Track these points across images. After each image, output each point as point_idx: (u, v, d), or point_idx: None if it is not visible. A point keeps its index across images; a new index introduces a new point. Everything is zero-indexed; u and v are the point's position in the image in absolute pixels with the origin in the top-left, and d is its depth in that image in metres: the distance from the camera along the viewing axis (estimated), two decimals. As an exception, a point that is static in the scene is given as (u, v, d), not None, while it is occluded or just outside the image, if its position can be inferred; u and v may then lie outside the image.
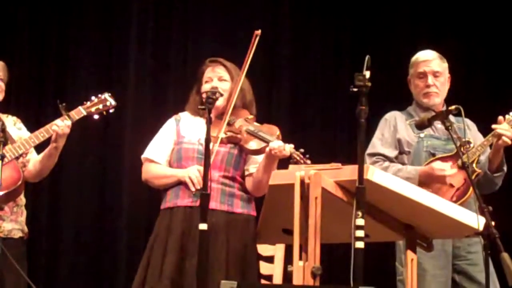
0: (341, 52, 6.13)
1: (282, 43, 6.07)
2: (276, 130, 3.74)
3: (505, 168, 4.21)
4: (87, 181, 5.76)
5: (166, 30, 5.99)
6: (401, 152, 4.20)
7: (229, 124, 3.76)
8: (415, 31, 6.07)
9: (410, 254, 3.40)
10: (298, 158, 3.55)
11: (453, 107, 3.58)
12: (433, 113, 3.84)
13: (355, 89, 3.08)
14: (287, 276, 3.24)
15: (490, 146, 4.15)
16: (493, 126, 4.07)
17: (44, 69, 5.84)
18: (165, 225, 3.71)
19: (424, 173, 4.04)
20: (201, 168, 3.56)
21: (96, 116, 4.17)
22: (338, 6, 6.19)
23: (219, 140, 3.68)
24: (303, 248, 3.16)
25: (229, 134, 3.72)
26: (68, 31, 5.88)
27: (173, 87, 5.88)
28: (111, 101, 4.20)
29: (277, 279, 4.01)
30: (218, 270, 3.56)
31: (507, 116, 4.13)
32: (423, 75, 4.24)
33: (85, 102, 4.15)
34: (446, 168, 4.03)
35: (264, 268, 3.94)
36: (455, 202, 3.87)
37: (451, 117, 3.75)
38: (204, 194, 3.29)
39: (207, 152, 3.36)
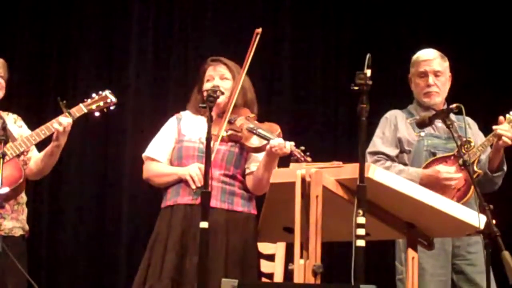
0: (341, 50, 6.14)
1: (283, 42, 6.08)
2: (277, 128, 3.74)
3: (505, 168, 4.21)
4: (87, 179, 5.76)
5: (167, 29, 6.00)
6: (402, 151, 4.20)
7: (230, 122, 3.76)
8: (416, 30, 6.07)
9: (411, 252, 3.41)
10: (298, 155, 3.55)
11: (454, 105, 3.59)
12: (434, 112, 3.84)
13: (356, 88, 3.08)
14: (288, 274, 3.24)
15: (491, 146, 4.16)
16: (494, 127, 4.08)
17: (45, 66, 5.84)
18: (165, 223, 3.71)
19: (427, 176, 4.03)
20: (202, 166, 3.56)
21: (97, 113, 4.17)
22: (339, 5, 6.19)
23: (219, 139, 3.68)
24: (304, 246, 3.16)
25: (230, 132, 3.72)
26: (69, 29, 5.89)
27: (173, 86, 5.88)
28: (112, 98, 4.20)
29: (278, 277, 4.01)
30: (218, 269, 3.55)
31: (507, 116, 4.13)
32: (424, 75, 4.24)
33: (85, 99, 4.15)
34: (451, 172, 4.02)
35: (265, 266, 3.93)
36: (456, 202, 3.88)
37: (452, 116, 3.76)
38: (205, 192, 3.29)
39: (208, 150, 3.36)
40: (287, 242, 3.91)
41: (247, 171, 3.81)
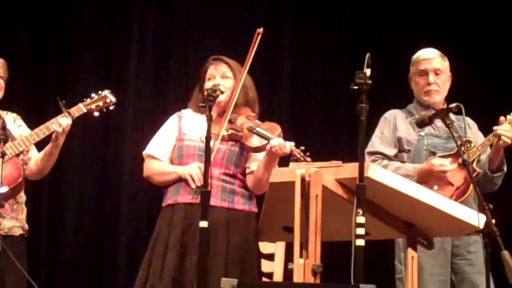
0: (341, 50, 6.14)
1: (283, 42, 6.08)
2: (277, 128, 3.74)
3: (505, 168, 4.21)
4: (87, 179, 5.76)
5: (167, 29, 6.00)
6: (401, 151, 4.20)
7: (230, 121, 3.76)
8: (416, 30, 6.07)
9: (410, 252, 3.40)
10: (298, 155, 3.55)
11: (453, 105, 3.58)
12: (434, 111, 3.84)
13: (356, 87, 3.08)
14: (288, 274, 3.24)
15: (491, 146, 4.16)
16: (495, 127, 4.08)
17: (45, 66, 5.85)
18: (166, 222, 3.71)
19: (423, 171, 4.04)
20: (202, 165, 3.56)
21: (96, 113, 4.17)
22: (339, 5, 6.19)
23: (220, 138, 3.68)
24: (304, 245, 3.15)
25: (230, 131, 3.72)
26: (69, 28, 5.89)
27: (173, 86, 5.88)
28: (111, 98, 4.20)
29: (278, 277, 4.01)
30: (218, 268, 3.55)
31: (508, 117, 4.13)
32: (424, 73, 4.24)
33: (85, 99, 4.16)
34: (446, 164, 4.03)
35: (265, 265, 3.93)
36: (454, 201, 3.87)
37: (452, 116, 3.76)
38: (204, 192, 3.29)
39: (208, 149, 3.36)
40: (286, 241, 3.91)
41: (248, 170, 3.81)
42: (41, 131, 4.01)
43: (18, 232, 4.06)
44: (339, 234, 3.21)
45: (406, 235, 3.44)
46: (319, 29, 6.17)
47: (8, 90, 4.17)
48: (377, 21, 6.14)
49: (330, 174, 3.20)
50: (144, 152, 3.90)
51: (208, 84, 3.83)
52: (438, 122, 4.06)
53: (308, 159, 3.53)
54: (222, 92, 3.65)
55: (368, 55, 3.09)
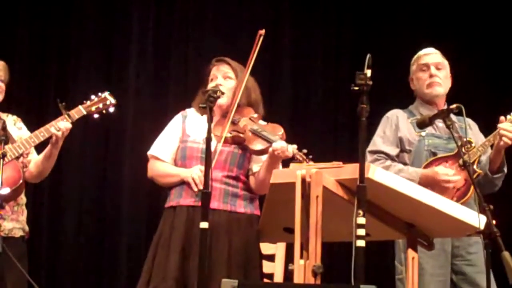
0: (341, 50, 6.14)
1: (283, 42, 6.07)
2: (280, 130, 3.74)
3: (505, 170, 4.20)
4: (87, 180, 5.76)
5: (167, 29, 6.00)
6: (402, 151, 4.20)
7: (233, 123, 3.76)
8: (416, 30, 6.07)
9: (411, 253, 3.40)
10: (301, 158, 3.55)
11: (454, 105, 3.58)
12: (434, 112, 3.84)
13: (356, 88, 3.08)
14: (288, 274, 3.24)
15: (491, 146, 4.15)
16: (499, 125, 4.07)
17: (44, 66, 5.85)
18: (168, 224, 3.72)
19: (426, 177, 4.03)
20: (204, 168, 3.56)
21: (96, 115, 4.17)
22: (339, 5, 6.19)
23: (222, 139, 3.68)
24: (304, 246, 3.15)
25: (233, 133, 3.72)
26: (69, 28, 5.89)
27: (173, 86, 5.88)
28: (111, 100, 4.20)
29: (278, 278, 4.01)
30: (220, 270, 3.56)
31: (508, 117, 4.13)
32: (426, 67, 4.25)
33: (85, 101, 4.16)
34: (450, 174, 4.02)
35: (265, 266, 3.93)
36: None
37: (453, 116, 3.76)
38: (205, 193, 3.29)
39: (208, 151, 3.36)
40: (287, 242, 3.92)
41: (251, 172, 3.81)
42: (41, 134, 4.01)
43: (18, 233, 4.07)
44: (340, 235, 3.21)
45: (406, 236, 3.44)
46: (319, 29, 6.17)
47: (8, 92, 4.16)
48: (377, 21, 6.14)
49: (331, 175, 3.19)
50: (149, 153, 3.90)
51: (210, 85, 3.83)
52: (439, 123, 4.06)
53: (311, 162, 3.53)
54: (222, 93, 3.64)
55: (368, 56, 3.09)
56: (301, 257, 3.15)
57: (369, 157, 4.09)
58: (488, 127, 4.22)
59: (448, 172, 4.03)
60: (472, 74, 5.80)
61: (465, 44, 5.91)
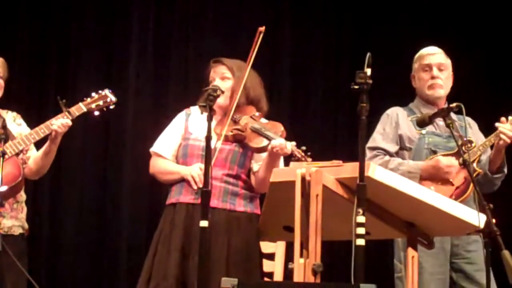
0: (341, 50, 6.13)
1: (283, 42, 6.07)
2: (280, 127, 3.75)
3: (505, 170, 4.20)
4: (87, 178, 5.76)
5: (167, 29, 6.00)
6: (403, 148, 4.20)
7: (234, 121, 3.77)
8: (416, 30, 6.07)
9: (411, 251, 3.40)
10: (299, 156, 3.55)
11: (454, 104, 3.58)
12: (434, 111, 3.84)
13: (356, 87, 3.08)
14: (288, 273, 3.24)
15: (491, 146, 4.15)
16: (497, 124, 4.07)
17: (44, 66, 5.84)
18: (168, 221, 3.74)
19: (428, 167, 4.04)
20: (203, 166, 3.56)
21: (96, 113, 4.17)
22: (339, 5, 6.19)
23: (222, 137, 3.69)
24: (304, 245, 3.15)
25: (234, 131, 3.73)
26: (69, 28, 5.89)
27: (173, 86, 5.88)
28: (112, 97, 4.20)
29: (278, 277, 4.00)
30: (220, 269, 3.56)
31: (510, 118, 4.13)
32: (428, 68, 4.25)
33: (85, 98, 4.16)
34: (452, 161, 4.03)
35: (265, 265, 3.93)
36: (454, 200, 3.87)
37: (453, 115, 3.76)
38: (205, 191, 3.29)
39: (208, 149, 3.37)
40: (287, 241, 3.91)
41: (252, 171, 3.82)
42: (41, 130, 4.02)
43: (18, 231, 4.06)
44: (340, 234, 3.20)
45: (406, 235, 3.44)
46: (319, 29, 6.17)
47: (8, 89, 4.16)
48: (377, 21, 6.14)
49: (331, 173, 3.19)
50: (151, 150, 3.92)
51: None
52: (440, 121, 4.05)
53: (309, 159, 3.53)
54: (222, 92, 3.64)
55: (368, 54, 3.09)
56: (301, 255, 3.16)
57: (368, 153, 4.09)
58: (488, 127, 4.21)
59: (449, 159, 4.03)
60: (473, 74, 5.79)
61: (465, 44, 5.91)
